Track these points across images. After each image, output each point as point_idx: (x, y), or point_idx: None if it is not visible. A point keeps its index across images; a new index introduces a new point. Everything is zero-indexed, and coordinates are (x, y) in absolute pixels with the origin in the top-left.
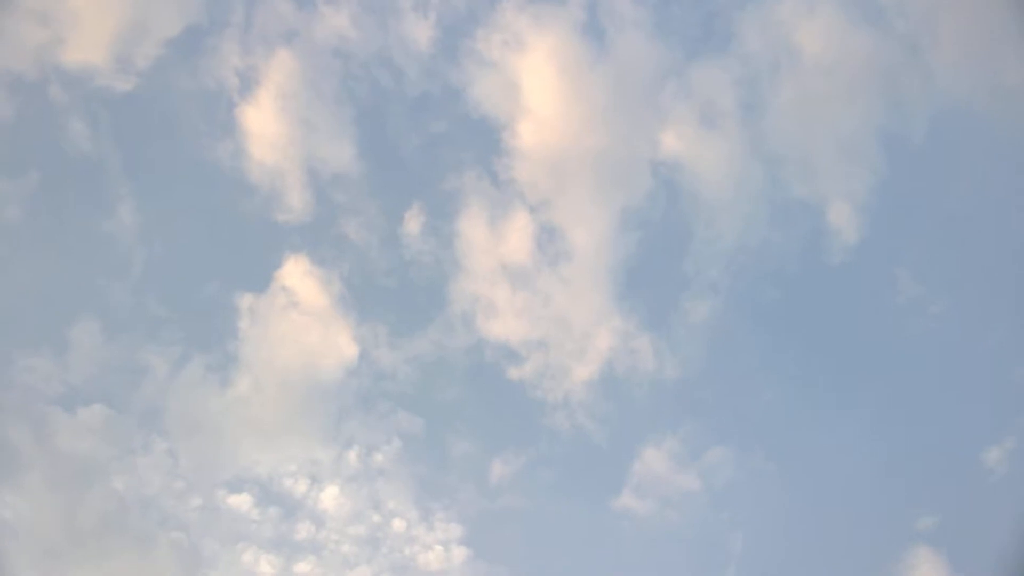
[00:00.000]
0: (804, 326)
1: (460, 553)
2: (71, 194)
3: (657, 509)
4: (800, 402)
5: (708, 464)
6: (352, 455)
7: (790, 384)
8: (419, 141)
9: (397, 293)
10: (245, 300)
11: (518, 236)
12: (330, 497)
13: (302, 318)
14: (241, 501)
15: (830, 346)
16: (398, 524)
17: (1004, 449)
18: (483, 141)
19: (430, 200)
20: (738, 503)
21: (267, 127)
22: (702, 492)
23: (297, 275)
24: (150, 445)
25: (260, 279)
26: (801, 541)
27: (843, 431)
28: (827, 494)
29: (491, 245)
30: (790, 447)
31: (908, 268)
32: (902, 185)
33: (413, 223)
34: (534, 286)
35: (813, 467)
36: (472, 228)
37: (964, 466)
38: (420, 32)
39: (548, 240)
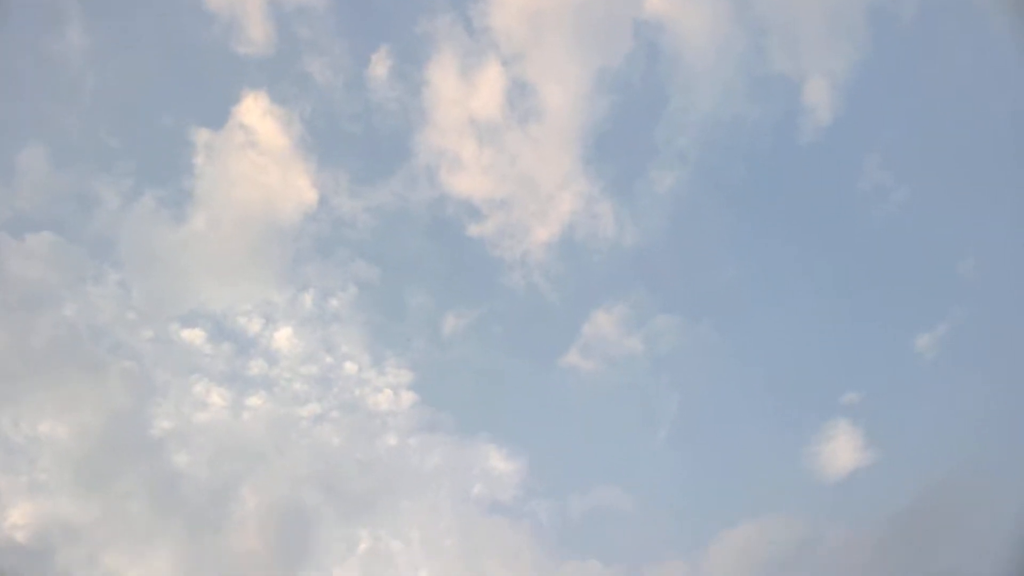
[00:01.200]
0: (766, 204)
1: (408, 398)
2: (15, 9)
3: (601, 369)
4: (751, 278)
5: (654, 330)
6: (307, 298)
7: (744, 260)
8: None
9: (360, 140)
10: (201, 135)
11: (489, 89)
12: (283, 337)
13: (260, 158)
14: (194, 336)
15: (788, 226)
16: (349, 367)
17: (936, 337)
18: None
19: (399, 43)
20: (678, 369)
21: None
22: (645, 356)
23: (256, 113)
24: (102, 275)
25: (217, 114)
26: (732, 407)
27: (788, 308)
28: (763, 364)
29: (460, 96)
30: (734, 319)
31: (877, 154)
32: (884, 66)
33: (380, 67)
34: (501, 143)
35: (754, 339)
36: (442, 77)
37: (896, 349)
38: None
39: (519, 96)
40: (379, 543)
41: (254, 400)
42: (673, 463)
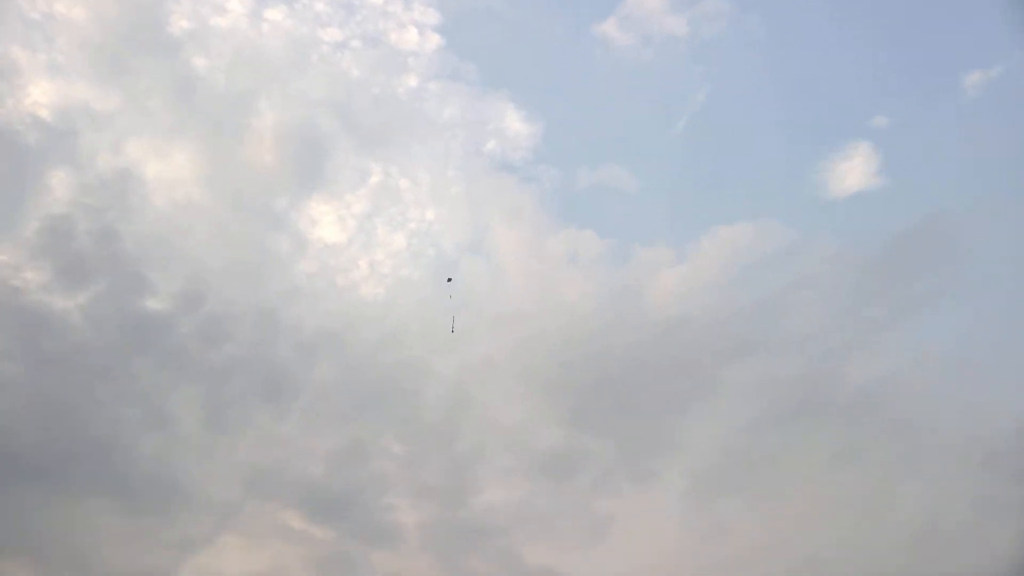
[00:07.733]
0: None
1: (434, 40)
2: None
3: (636, 45)
4: None
5: (702, 12)
6: None
7: None
8: None
9: None
10: None
11: None
12: None
13: None
14: None
15: None
16: None
17: (988, 76)
18: None
19: None
20: (716, 59)
21: None
22: (686, 40)
23: None
24: None
25: None
26: (760, 109)
27: (845, 12)
28: (803, 71)
29: None
30: (787, 16)
31: None
32: None
33: None
34: None
35: (800, 42)
36: None
37: (941, 81)
38: None
39: None
40: (390, 179)
41: (273, 13)
42: (685, 154)
